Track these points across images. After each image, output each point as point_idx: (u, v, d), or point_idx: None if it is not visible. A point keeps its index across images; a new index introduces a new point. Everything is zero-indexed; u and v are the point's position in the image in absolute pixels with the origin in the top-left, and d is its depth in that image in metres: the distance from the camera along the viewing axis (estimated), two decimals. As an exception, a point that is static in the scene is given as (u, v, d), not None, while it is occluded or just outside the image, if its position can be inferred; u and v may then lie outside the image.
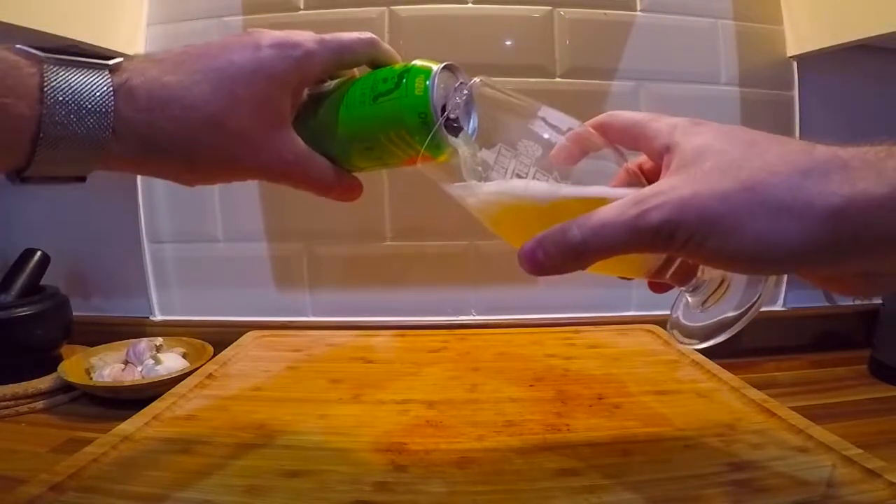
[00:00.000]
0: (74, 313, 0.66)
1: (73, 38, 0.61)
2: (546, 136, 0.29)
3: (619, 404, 0.45)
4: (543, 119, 0.30)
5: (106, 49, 0.66)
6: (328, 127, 0.32)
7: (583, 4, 0.70)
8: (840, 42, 0.65)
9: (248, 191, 0.73)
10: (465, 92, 0.32)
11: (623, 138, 0.30)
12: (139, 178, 0.73)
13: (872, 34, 0.60)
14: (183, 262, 0.75)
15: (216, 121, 0.28)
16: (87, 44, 0.63)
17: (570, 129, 0.30)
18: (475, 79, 0.31)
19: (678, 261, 0.31)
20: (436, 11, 0.68)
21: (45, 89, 0.24)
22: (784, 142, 0.25)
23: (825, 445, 0.37)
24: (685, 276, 0.32)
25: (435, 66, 0.30)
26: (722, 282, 0.32)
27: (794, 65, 0.74)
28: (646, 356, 0.55)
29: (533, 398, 0.47)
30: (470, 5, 0.69)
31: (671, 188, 0.24)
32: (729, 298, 0.31)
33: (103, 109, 0.26)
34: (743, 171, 0.24)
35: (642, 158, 0.31)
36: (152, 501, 0.33)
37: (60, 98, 0.25)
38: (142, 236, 0.74)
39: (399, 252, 0.72)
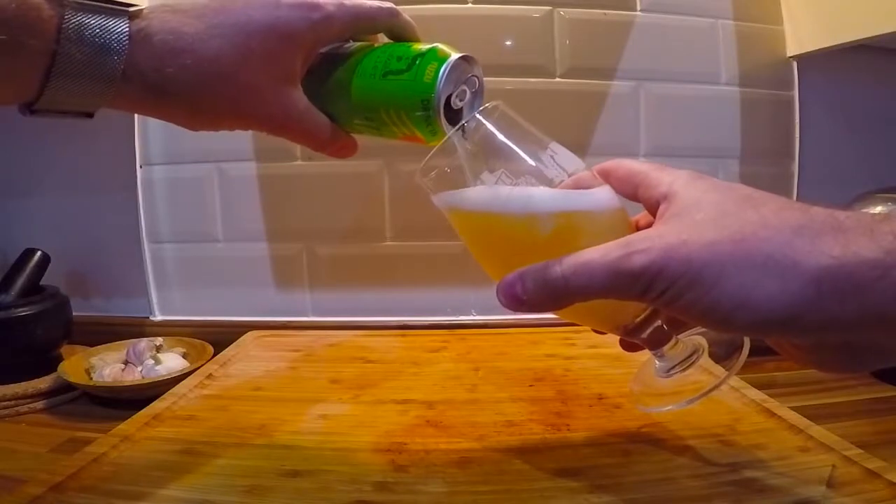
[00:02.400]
0: (74, 313, 0.67)
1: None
2: (550, 174, 0.29)
3: (619, 404, 0.45)
4: (552, 157, 0.30)
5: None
6: (335, 89, 0.33)
7: (583, 4, 0.70)
8: (840, 42, 0.65)
9: (248, 191, 0.73)
10: (476, 86, 0.32)
11: (624, 186, 0.30)
12: (139, 177, 0.73)
13: (872, 34, 0.60)
14: (183, 262, 0.75)
15: (227, 73, 0.29)
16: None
17: (575, 171, 0.30)
18: (495, 102, 0.31)
19: (654, 325, 0.31)
20: (436, 11, 0.68)
21: (62, 29, 0.26)
22: (781, 200, 0.24)
23: (825, 445, 0.37)
24: (658, 342, 0.32)
25: (451, 56, 0.30)
26: (692, 354, 0.32)
27: (794, 65, 0.74)
28: (646, 356, 0.55)
29: (533, 398, 0.47)
30: (470, 5, 0.69)
31: (659, 235, 0.24)
32: (693, 372, 0.31)
33: (116, 53, 0.27)
34: (734, 223, 0.23)
35: (640, 215, 0.31)
36: (152, 501, 0.33)
37: (75, 38, 0.26)
38: (142, 236, 0.74)
39: (399, 252, 0.72)
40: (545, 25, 0.70)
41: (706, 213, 0.24)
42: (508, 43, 0.70)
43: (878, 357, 0.25)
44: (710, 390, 0.30)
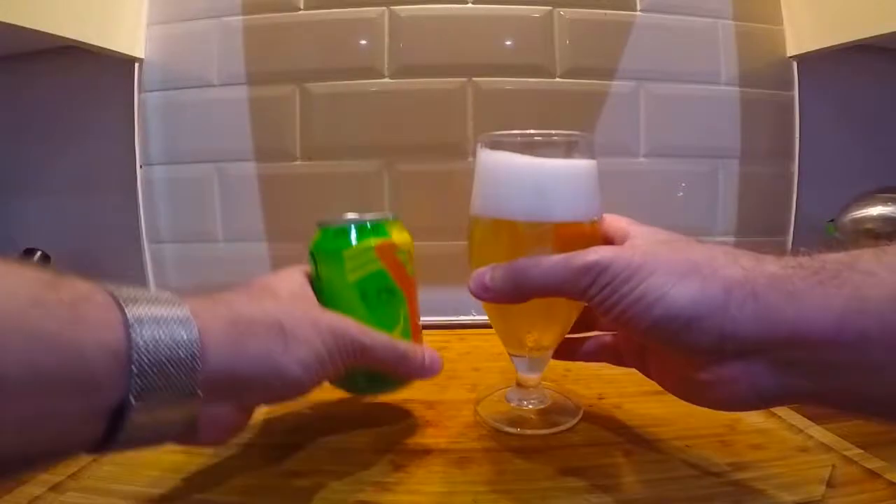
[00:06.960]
0: (74, 313, 0.66)
1: (74, 38, 0.61)
2: None
3: (619, 404, 0.45)
4: None
5: (107, 49, 0.66)
6: None
7: (583, 4, 0.70)
8: (840, 42, 0.65)
9: (248, 191, 0.73)
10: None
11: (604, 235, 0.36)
12: (139, 177, 0.73)
13: (872, 34, 0.60)
14: (183, 262, 0.75)
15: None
16: (88, 44, 0.63)
17: None
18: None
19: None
20: (436, 11, 0.68)
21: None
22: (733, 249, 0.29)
23: (825, 445, 0.37)
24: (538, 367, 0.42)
25: None
26: (547, 404, 0.44)
27: (794, 65, 0.74)
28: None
29: (533, 398, 0.47)
30: (470, 5, 0.69)
31: (612, 248, 0.29)
32: (534, 412, 0.43)
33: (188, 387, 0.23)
34: (679, 245, 0.29)
35: None
36: (152, 501, 0.33)
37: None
38: (142, 236, 0.74)
39: (399, 252, 0.72)
40: (545, 25, 0.70)
41: (655, 242, 0.31)
42: (508, 43, 0.70)
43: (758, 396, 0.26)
44: (538, 432, 0.40)
